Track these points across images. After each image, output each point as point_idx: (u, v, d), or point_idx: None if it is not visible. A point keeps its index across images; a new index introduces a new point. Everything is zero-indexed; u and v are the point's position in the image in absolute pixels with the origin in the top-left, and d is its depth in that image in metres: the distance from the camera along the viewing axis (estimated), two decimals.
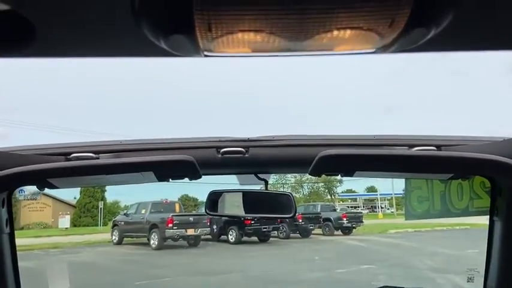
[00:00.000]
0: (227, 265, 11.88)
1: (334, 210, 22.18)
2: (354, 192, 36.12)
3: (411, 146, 1.49)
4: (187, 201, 26.49)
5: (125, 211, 18.76)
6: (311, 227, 18.65)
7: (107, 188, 23.31)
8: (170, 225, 15.12)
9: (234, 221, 15.60)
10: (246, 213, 1.80)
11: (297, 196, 30.97)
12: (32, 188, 1.66)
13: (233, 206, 1.80)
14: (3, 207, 1.49)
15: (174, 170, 1.45)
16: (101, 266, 12.52)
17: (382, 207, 34.00)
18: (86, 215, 24.71)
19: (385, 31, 0.62)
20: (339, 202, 32.69)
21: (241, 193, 1.77)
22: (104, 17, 0.64)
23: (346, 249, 15.27)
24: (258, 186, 1.81)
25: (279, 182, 28.50)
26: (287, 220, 15.84)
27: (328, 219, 19.48)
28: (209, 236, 16.56)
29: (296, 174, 26.73)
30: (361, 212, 24.46)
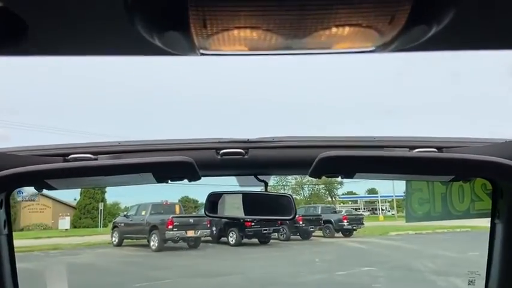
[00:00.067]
0: (227, 267, 11.87)
1: (335, 212, 22.16)
2: (354, 194, 36.12)
3: (412, 148, 1.48)
4: (187, 203, 26.49)
5: (125, 212, 18.76)
6: (311, 229, 18.63)
7: (107, 189, 23.35)
8: (170, 226, 15.11)
9: (234, 223, 15.59)
10: (245, 214, 1.79)
11: (298, 198, 30.98)
12: (31, 189, 1.65)
13: (233, 208, 1.79)
14: (1, 209, 1.48)
15: (172, 172, 1.44)
16: (100, 267, 12.50)
17: (383, 210, 33.98)
18: (86, 216, 24.71)
19: (385, 28, 0.61)
20: (339, 204, 32.66)
21: (241, 195, 1.76)
22: (96, 14, 0.63)
23: (346, 251, 15.25)
24: (258, 188, 1.80)
25: (280, 184, 28.51)
26: (287, 222, 15.82)
27: (329, 221, 19.46)
28: (209, 238, 16.55)
29: (297, 176, 26.77)
30: (361, 214, 24.44)
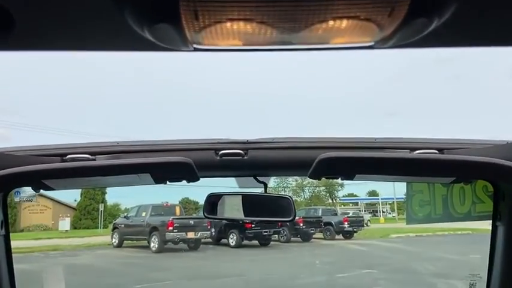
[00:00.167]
0: (227, 269, 11.85)
1: (335, 214, 22.13)
2: (355, 196, 36.03)
3: (413, 149, 1.47)
4: (187, 204, 26.46)
5: (125, 214, 18.75)
6: (312, 231, 18.59)
7: (108, 190, 23.34)
8: (170, 228, 15.09)
9: (235, 225, 15.58)
10: (245, 216, 1.78)
11: (298, 200, 30.92)
12: (29, 190, 1.64)
13: (232, 209, 1.78)
14: None
15: (171, 172, 1.43)
16: (100, 268, 12.48)
17: (383, 212, 33.92)
18: (86, 217, 24.69)
19: (384, 21, 0.59)
20: (340, 206, 32.61)
21: (240, 196, 1.75)
22: (85, 7, 0.62)
23: (347, 253, 15.22)
24: (258, 190, 1.79)
25: (280, 186, 28.45)
26: (288, 224, 15.81)
27: (329, 223, 19.42)
28: (209, 240, 16.52)
29: (297, 178, 26.75)
30: (362, 216, 24.41)
